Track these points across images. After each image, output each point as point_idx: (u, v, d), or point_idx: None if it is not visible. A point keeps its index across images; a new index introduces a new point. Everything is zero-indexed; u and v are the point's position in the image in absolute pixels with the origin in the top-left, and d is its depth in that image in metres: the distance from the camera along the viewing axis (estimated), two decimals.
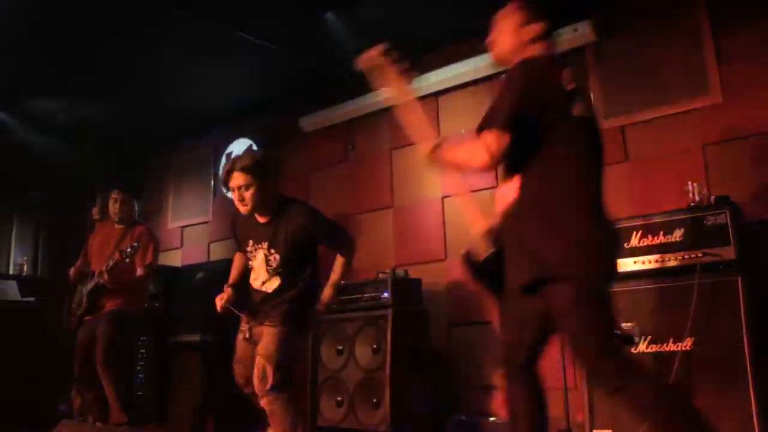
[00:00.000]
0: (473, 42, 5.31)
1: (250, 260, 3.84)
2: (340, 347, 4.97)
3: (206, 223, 7.17)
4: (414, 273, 5.11)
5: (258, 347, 3.65)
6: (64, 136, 7.19)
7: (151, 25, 5.16)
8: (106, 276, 4.90)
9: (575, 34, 4.75)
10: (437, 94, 5.56)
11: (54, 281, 7.15)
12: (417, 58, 5.59)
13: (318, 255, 3.91)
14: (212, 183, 7.25)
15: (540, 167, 2.41)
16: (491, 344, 4.99)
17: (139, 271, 5.07)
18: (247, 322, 3.83)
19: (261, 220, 3.78)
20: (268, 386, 3.53)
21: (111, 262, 4.86)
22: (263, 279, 3.76)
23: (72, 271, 5.32)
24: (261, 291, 3.77)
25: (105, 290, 5.07)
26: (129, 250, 4.71)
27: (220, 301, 3.78)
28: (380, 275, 4.97)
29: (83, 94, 6.41)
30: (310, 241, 3.78)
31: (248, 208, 3.70)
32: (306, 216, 3.75)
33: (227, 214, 6.90)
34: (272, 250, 3.71)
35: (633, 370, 2.35)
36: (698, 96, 4.36)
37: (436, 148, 2.52)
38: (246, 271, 3.92)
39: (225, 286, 3.89)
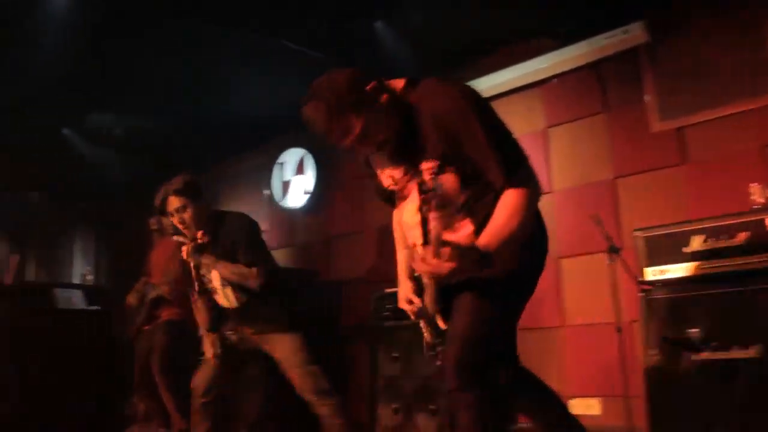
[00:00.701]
0: (523, 46, 5.32)
1: (208, 284, 3.86)
2: (396, 354, 4.97)
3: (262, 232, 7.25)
4: None
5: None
6: (121, 148, 7.37)
7: (204, 39, 5.25)
8: (165, 287, 5.01)
9: (627, 36, 4.70)
10: (488, 100, 5.51)
11: (115, 290, 7.33)
12: (467, 63, 5.61)
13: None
14: (266, 193, 7.33)
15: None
16: (548, 351, 4.95)
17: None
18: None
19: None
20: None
21: (168, 276, 4.97)
22: (230, 298, 3.81)
23: (131, 297, 5.44)
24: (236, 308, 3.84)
25: (163, 301, 5.19)
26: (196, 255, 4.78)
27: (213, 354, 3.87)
28: None
29: (139, 107, 6.55)
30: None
31: (192, 230, 3.75)
32: (241, 230, 3.84)
33: (283, 224, 7.06)
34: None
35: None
36: (758, 96, 4.25)
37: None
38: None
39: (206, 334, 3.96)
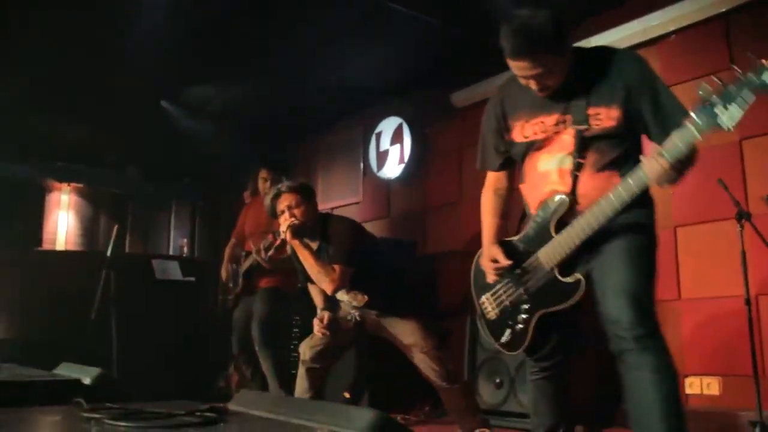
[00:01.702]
0: (636, 1, 4.99)
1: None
2: None
3: (357, 203, 7.15)
4: None
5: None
6: (217, 121, 7.38)
7: (298, 4, 5.13)
8: (263, 254, 4.95)
9: None
10: None
11: (211, 262, 7.40)
12: (577, 21, 5.31)
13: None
14: (362, 163, 7.22)
15: None
16: (664, 326, 4.64)
17: (289, 249, 5.09)
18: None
19: (313, 245, 3.81)
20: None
21: (264, 243, 4.91)
22: (346, 299, 3.80)
23: (224, 270, 5.44)
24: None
25: (260, 269, 5.14)
26: (280, 234, 4.72)
27: (320, 326, 3.84)
28: None
29: (233, 80, 6.54)
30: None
31: (297, 222, 3.76)
32: (343, 234, 3.81)
33: (379, 195, 6.94)
34: None
35: None
36: None
37: None
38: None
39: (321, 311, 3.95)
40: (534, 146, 2.57)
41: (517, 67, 2.41)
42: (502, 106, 2.69)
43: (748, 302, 3.74)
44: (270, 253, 4.85)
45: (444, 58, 6.03)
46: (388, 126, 6.90)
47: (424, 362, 3.71)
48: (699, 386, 4.41)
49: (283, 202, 3.80)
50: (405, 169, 6.68)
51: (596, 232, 2.37)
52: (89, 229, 8.18)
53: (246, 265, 5.29)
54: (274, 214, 3.90)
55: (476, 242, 5.81)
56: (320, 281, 3.69)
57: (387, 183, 6.89)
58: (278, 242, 3.85)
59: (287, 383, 4.89)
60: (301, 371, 3.88)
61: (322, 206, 7.51)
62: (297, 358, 5.99)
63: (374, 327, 3.86)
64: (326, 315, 3.85)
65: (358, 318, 3.84)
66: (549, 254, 2.50)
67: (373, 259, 3.83)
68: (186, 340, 6.43)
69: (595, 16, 5.23)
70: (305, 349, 3.87)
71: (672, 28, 4.79)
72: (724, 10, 4.53)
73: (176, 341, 6.33)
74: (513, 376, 4.60)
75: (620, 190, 2.30)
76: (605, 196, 2.33)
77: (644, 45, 4.95)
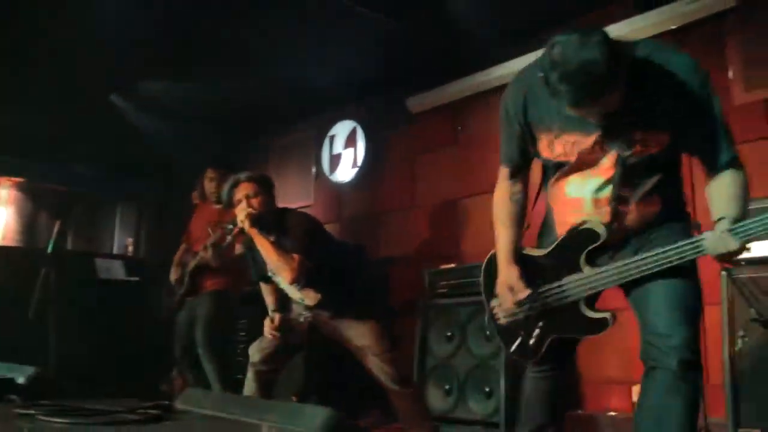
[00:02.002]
0: (593, 15, 5.05)
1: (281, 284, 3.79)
2: (450, 333, 4.75)
3: (308, 206, 7.07)
4: None
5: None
6: (168, 118, 7.21)
7: (256, 3, 5.03)
8: (209, 251, 4.84)
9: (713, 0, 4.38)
10: None
11: (156, 262, 7.23)
12: (535, 33, 5.34)
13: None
14: (314, 166, 7.14)
15: None
16: (613, 334, 4.69)
17: (238, 249, 4.99)
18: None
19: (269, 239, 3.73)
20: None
21: (211, 239, 4.80)
22: (300, 297, 3.74)
23: (173, 272, 5.31)
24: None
25: (206, 270, 5.02)
26: (230, 226, 4.61)
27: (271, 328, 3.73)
28: None
29: (186, 76, 6.37)
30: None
31: (256, 212, 3.66)
32: (299, 227, 3.72)
33: (330, 199, 6.87)
34: None
35: None
36: None
37: None
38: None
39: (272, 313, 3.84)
40: (563, 167, 2.33)
41: (576, 112, 2.10)
42: (524, 112, 2.35)
43: None
44: (221, 242, 4.72)
45: (401, 63, 6.00)
46: (342, 129, 6.84)
47: (376, 365, 3.66)
48: None
49: (241, 191, 3.71)
50: (358, 173, 6.63)
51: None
52: (29, 225, 7.91)
53: (192, 264, 5.15)
54: (230, 204, 3.80)
55: (428, 248, 5.87)
56: (279, 270, 3.57)
57: (339, 187, 6.83)
58: (236, 230, 3.72)
59: (232, 388, 4.77)
60: (250, 374, 3.78)
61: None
62: (243, 362, 5.93)
63: (326, 329, 3.80)
64: (277, 316, 3.76)
65: (310, 319, 3.76)
66: (577, 285, 2.36)
67: (329, 259, 3.75)
68: (129, 342, 6.27)
69: (552, 29, 5.24)
70: (254, 352, 3.78)
71: (664, 29, 4.81)
72: (675, 26, 4.61)
73: (118, 343, 6.16)
74: (462, 382, 4.58)
75: (671, 254, 2.17)
76: (653, 253, 2.21)
77: None
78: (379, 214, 6.46)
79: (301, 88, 6.43)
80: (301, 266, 3.53)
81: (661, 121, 2.17)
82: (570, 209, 2.38)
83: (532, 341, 2.49)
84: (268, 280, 3.89)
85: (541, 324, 2.46)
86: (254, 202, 3.68)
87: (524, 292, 2.41)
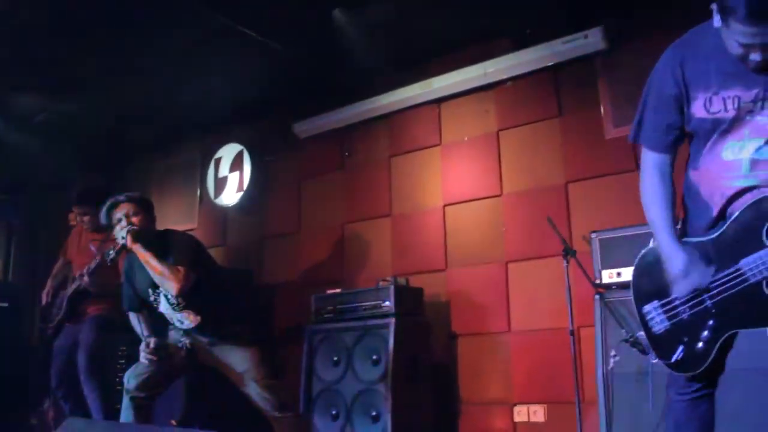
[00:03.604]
0: (478, 48, 5.26)
1: (158, 308, 3.76)
2: (336, 358, 4.77)
3: (192, 229, 6.92)
4: (413, 283, 4.94)
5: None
6: (41, 134, 6.87)
7: (141, 17, 4.89)
8: (87, 279, 4.68)
9: (586, 42, 4.68)
10: (439, 101, 5.44)
11: (26, 287, 6.88)
12: (420, 62, 5.51)
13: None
14: (198, 189, 7.02)
15: None
16: (494, 356, 4.86)
17: (123, 277, 4.86)
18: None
19: None
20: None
21: (93, 265, 4.64)
22: (179, 318, 3.70)
23: (44, 295, 5.10)
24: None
25: (87, 295, 4.84)
26: (112, 252, 4.47)
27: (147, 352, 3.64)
28: (381, 283, 4.78)
29: (66, 91, 6.12)
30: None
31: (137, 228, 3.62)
32: (183, 244, 3.72)
33: (215, 222, 6.76)
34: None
35: None
36: None
37: None
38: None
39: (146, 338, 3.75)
40: (720, 127, 2.14)
41: (750, 34, 1.91)
42: (682, 68, 2.17)
43: (572, 333, 3.97)
44: (101, 269, 4.57)
45: (288, 88, 6.03)
46: (228, 152, 6.76)
47: (256, 392, 3.64)
48: (526, 414, 4.62)
49: (120, 211, 3.66)
50: (243, 197, 6.57)
51: None
52: None
53: (71, 290, 4.95)
54: (109, 225, 3.74)
55: (314, 273, 5.89)
56: (165, 282, 3.51)
57: (224, 210, 6.74)
58: (118, 247, 3.61)
59: (114, 417, 4.59)
60: (126, 402, 3.66)
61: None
62: (121, 391, 5.72)
63: (205, 356, 3.74)
64: (152, 340, 3.66)
65: (188, 346, 3.70)
66: (759, 266, 2.07)
67: (210, 280, 3.72)
68: None
69: (437, 59, 5.44)
70: (129, 378, 3.67)
71: (508, 76, 5.08)
72: (552, 63, 4.89)
73: None
74: (349, 407, 4.59)
75: None
76: None
77: (483, 89, 5.21)
78: (266, 238, 6.43)
79: (185, 108, 6.35)
80: (187, 277, 3.49)
81: None
82: (724, 173, 2.16)
83: (700, 345, 2.19)
84: (139, 309, 3.82)
85: (711, 322, 2.18)
86: (134, 220, 3.63)
87: (707, 272, 2.16)
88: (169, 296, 3.63)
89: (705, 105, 2.13)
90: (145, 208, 3.74)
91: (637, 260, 2.40)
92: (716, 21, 2.01)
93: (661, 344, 2.28)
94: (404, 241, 5.47)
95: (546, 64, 4.90)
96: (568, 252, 4.08)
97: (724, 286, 2.15)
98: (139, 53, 5.38)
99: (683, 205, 2.36)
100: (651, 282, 2.31)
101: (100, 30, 5.04)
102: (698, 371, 2.19)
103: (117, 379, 5.57)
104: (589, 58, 4.77)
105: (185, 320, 3.67)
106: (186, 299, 3.61)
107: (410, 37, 5.21)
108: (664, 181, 2.29)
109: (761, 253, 2.07)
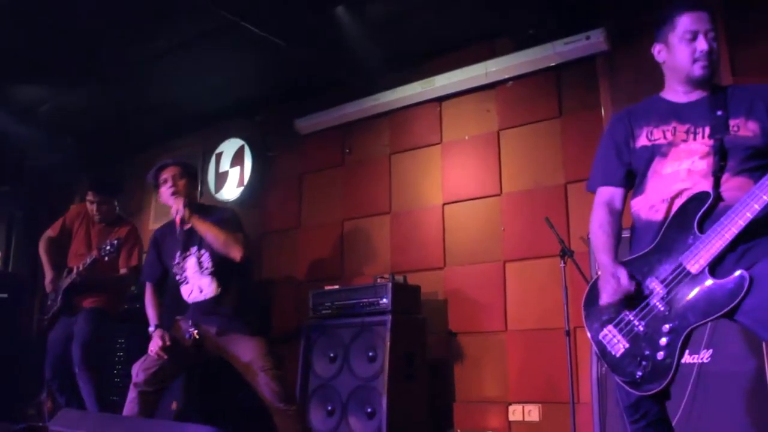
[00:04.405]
0: (480, 47, 5.26)
1: (178, 275, 3.86)
2: (333, 354, 4.78)
3: None
4: (411, 280, 4.94)
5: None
6: (44, 127, 6.88)
7: (144, 12, 4.91)
8: (83, 273, 4.69)
9: (588, 42, 4.68)
10: (441, 99, 5.44)
11: (27, 277, 6.89)
12: (422, 60, 5.51)
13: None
14: (200, 184, 7.01)
15: None
16: (490, 355, 4.87)
17: (123, 272, 4.88)
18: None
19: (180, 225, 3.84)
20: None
21: (89, 260, 4.65)
22: (207, 287, 3.78)
23: (48, 282, 5.09)
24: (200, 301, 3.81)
25: (83, 288, 4.84)
26: (108, 248, 4.49)
27: (159, 347, 3.68)
28: (379, 280, 4.78)
29: (68, 83, 6.13)
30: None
31: (181, 194, 3.80)
32: (227, 215, 3.95)
33: None
34: (202, 251, 3.80)
35: None
36: None
37: None
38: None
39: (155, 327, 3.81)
40: (660, 150, 2.44)
41: (696, 19, 2.43)
42: (629, 118, 2.58)
43: (568, 334, 3.98)
44: (101, 261, 4.58)
45: (291, 83, 6.05)
46: (229, 147, 6.77)
47: (264, 381, 3.60)
48: (521, 413, 4.62)
49: (168, 172, 3.85)
50: (244, 192, 6.58)
51: (750, 222, 2.17)
52: None
53: (67, 281, 4.95)
54: (156, 185, 3.92)
55: (313, 269, 5.89)
56: (228, 247, 3.66)
57: (225, 205, 6.74)
58: (178, 218, 3.72)
59: (109, 409, 4.60)
60: (133, 395, 3.65)
61: (155, 225, 7.26)
62: (119, 383, 5.72)
63: (213, 347, 3.75)
64: (166, 335, 3.69)
65: (196, 336, 3.70)
66: (696, 256, 2.25)
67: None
68: None
69: (439, 58, 5.44)
70: (138, 371, 3.66)
71: (509, 75, 5.08)
72: (554, 64, 4.89)
73: None
74: (345, 403, 4.60)
75: None
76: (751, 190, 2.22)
77: (485, 88, 5.21)
78: (265, 234, 6.44)
79: (187, 103, 6.35)
80: (247, 244, 3.69)
81: (749, 111, 2.39)
82: (665, 183, 2.42)
83: (661, 354, 2.26)
84: (157, 281, 3.96)
85: (668, 326, 2.27)
86: (180, 184, 3.81)
87: (631, 287, 2.33)
88: (203, 259, 3.75)
89: (647, 135, 2.50)
90: (190, 174, 3.94)
91: (585, 294, 2.55)
92: (659, 53, 2.56)
93: (623, 366, 2.34)
94: (403, 239, 5.48)
95: (547, 64, 4.90)
96: (566, 252, 4.08)
97: (670, 286, 2.30)
98: (140, 48, 5.39)
99: (630, 235, 2.58)
100: (601, 308, 2.44)
101: (102, 23, 5.05)
102: (666, 382, 2.23)
103: (115, 372, 5.61)
104: (591, 60, 4.78)
105: (206, 288, 3.74)
106: (217, 266, 3.74)
107: (413, 35, 5.22)
108: (612, 215, 2.55)
109: (696, 242, 2.27)
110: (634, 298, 2.35)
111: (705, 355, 3.44)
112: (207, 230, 3.68)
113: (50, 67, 5.77)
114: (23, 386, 6.03)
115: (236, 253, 3.65)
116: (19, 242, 7.93)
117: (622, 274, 2.35)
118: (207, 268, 3.75)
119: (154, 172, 3.91)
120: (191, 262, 3.78)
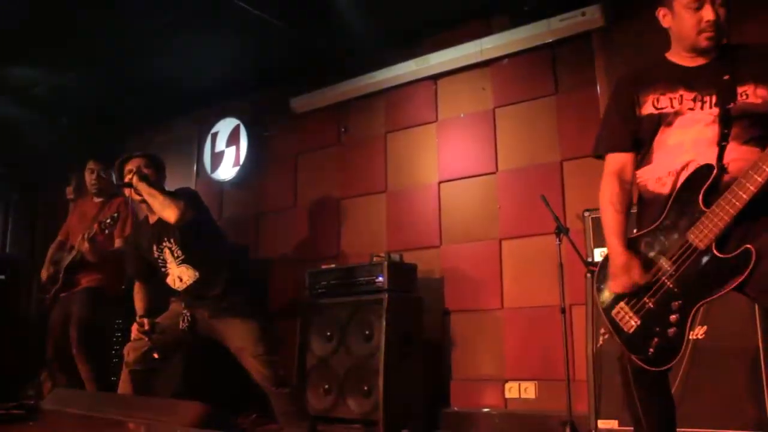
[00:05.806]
0: (475, 24, 5.22)
1: (162, 267, 3.79)
2: (329, 333, 4.79)
3: None
4: (407, 259, 4.94)
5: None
6: (39, 108, 6.86)
7: None
8: (86, 245, 4.67)
9: (583, 19, 4.65)
10: (436, 77, 5.41)
11: (25, 259, 6.88)
12: (417, 38, 5.48)
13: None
14: (195, 164, 7.02)
15: None
16: (486, 333, 4.88)
17: (117, 243, 4.85)
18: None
19: (151, 219, 3.80)
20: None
21: (89, 233, 4.64)
22: (184, 275, 3.73)
23: (44, 269, 5.10)
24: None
25: (82, 266, 4.84)
26: (108, 221, 4.47)
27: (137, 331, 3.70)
28: (375, 259, 4.78)
29: (62, 64, 6.09)
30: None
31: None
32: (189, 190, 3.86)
33: (211, 197, 6.75)
34: (171, 240, 3.72)
35: None
36: None
37: None
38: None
39: (140, 318, 3.79)
40: (666, 120, 2.40)
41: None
42: (635, 85, 2.49)
43: (563, 311, 3.99)
44: (99, 236, 4.58)
45: (286, 62, 6.00)
46: (225, 127, 6.75)
47: (254, 367, 3.62)
48: (517, 390, 4.64)
49: (133, 164, 3.82)
50: (240, 171, 6.56)
51: (755, 197, 2.16)
52: None
53: (68, 259, 4.95)
54: (121, 177, 3.85)
55: (309, 248, 5.89)
56: (164, 209, 3.54)
57: (220, 185, 6.74)
58: (130, 192, 3.75)
59: (107, 390, 4.61)
60: (125, 374, 3.67)
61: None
62: (117, 364, 5.74)
63: (205, 329, 3.75)
64: (146, 321, 3.70)
65: (188, 319, 3.70)
66: (702, 232, 2.25)
67: (209, 234, 3.81)
68: None
69: (434, 36, 5.41)
70: (129, 351, 3.68)
71: (504, 53, 5.05)
72: (549, 41, 4.86)
73: None
74: (342, 381, 4.62)
75: None
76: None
77: (480, 66, 5.19)
78: (262, 213, 6.43)
79: (182, 83, 6.31)
80: (186, 209, 3.53)
81: (758, 76, 2.32)
82: (671, 154, 2.40)
83: (671, 329, 2.29)
84: (146, 278, 3.87)
85: (677, 303, 2.29)
86: (146, 172, 3.76)
87: (642, 279, 2.34)
88: (173, 248, 3.68)
89: (653, 103, 2.43)
90: (156, 165, 3.90)
91: (597, 271, 2.53)
92: (663, 17, 2.45)
93: (635, 342, 2.35)
94: (399, 217, 5.48)
95: (543, 41, 4.87)
96: (561, 230, 4.08)
97: (678, 263, 2.30)
98: (134, 27, 5.33)
99: (637, 208, 2.54)
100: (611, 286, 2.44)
101: (96, 2, 5.01)
102: (677, 357, 2.27)
103: (113, 352, 5.61)
104: (587, 36, 4.75)
105: (184, 276, 3.69)
106: (185, 251, 3.66)
107: (407, 13, 5.17)
108: (622, 187, 2.50)
109: (702, 218, 2.25)
110: (644, 276, 2.35)
111: (699, 332, 3.47)
112: (147, 193, 3.61)
113: (43, 47, 5.72)
114: (22, 367, 6.05)
115: (170, 214, 3.53)
116: (16, 224, 7.93)
117: (635, 268, 2.35)
118: (179, 257, 3.70)
119: (119, 164, 3.88)
120: (167, 253, 3.74)
